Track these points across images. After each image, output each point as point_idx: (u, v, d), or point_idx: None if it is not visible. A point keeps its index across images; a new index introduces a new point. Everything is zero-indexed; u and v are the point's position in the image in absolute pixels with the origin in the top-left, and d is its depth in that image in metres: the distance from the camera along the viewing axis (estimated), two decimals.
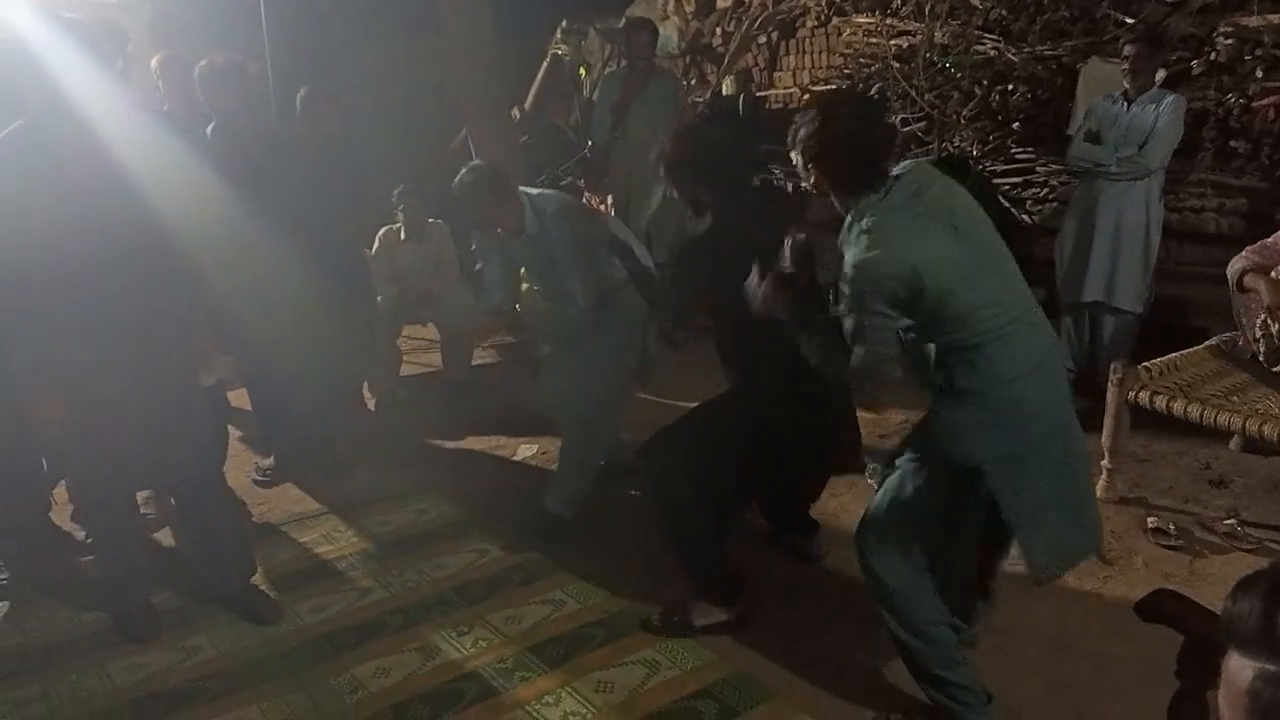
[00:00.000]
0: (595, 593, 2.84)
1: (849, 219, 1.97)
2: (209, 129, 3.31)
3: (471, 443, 4.17)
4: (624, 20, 8.22)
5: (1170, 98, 3.83)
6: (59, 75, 2.29)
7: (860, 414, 2.82)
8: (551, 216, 3.09)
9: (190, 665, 2.55)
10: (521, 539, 3.14)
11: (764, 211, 2.56)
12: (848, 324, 1.96)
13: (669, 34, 8.09)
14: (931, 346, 1.97)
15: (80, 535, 3.16)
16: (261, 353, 3.49)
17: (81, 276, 2.31)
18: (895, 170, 1.98)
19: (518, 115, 7.81)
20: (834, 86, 6.52)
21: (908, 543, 2.06)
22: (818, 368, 2.11)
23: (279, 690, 2.43)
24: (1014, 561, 2.29)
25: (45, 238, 2.25)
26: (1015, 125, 5.26)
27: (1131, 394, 3.20)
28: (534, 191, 3.20)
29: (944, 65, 5.55)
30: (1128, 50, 3.85)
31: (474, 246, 3.51)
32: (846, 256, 1.92)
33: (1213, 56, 4.47)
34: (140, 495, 3.27)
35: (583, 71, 8.40)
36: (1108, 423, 3.27)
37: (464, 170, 3.12)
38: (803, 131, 1.98)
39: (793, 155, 2.03)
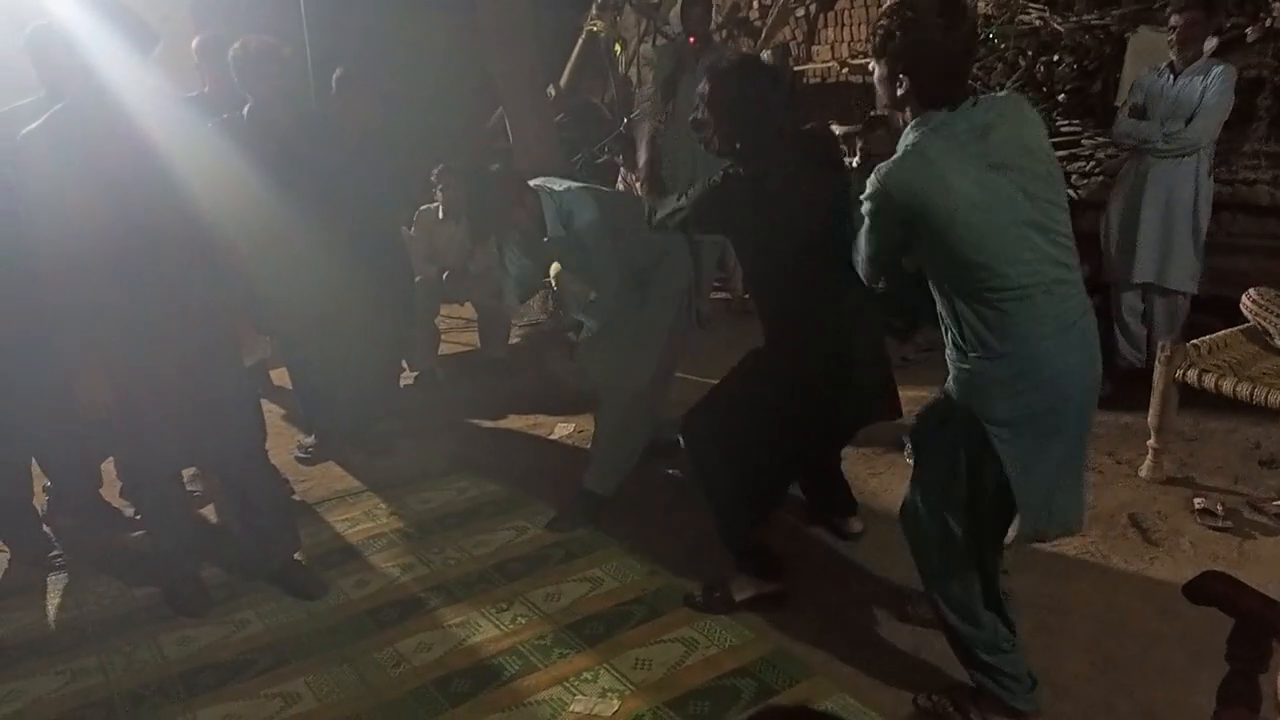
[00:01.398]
0: (634, 571, 2.85)
1: (906, 129, 1.88)
2: (245, 110, 3.33)
3: (510, 421, 4.20)
4: None
5: (1219, 68, 3.70)
6: (96, 60, 2.32)
7: (903, 392, 2.79)
8: (578, 217, 3.03)
9: (239, 639, 2.61)
10: (560, 517, 3.16)
11: (803, 161, 2.45)
12: (861, 216, 1.94)
13: None
14: (958, 301, 1.89)
15: (129, 512, 3.23)
16: (300, 334, 3.53)
17: (116, 260, 2.36)
18: (984, 97, 1.88)
19: (553, 93, 7.78)
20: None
21: (945, 516, 2.03)
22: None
23: (325, 664, 2.47)
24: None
25: (80, 222, 2.29)
26: (1061, 97, 5.14)
27: (1179, 372, 3.13)
28: (560, 188, 3.10)
29: (987, 35, 5.43)
30: (1175, 20, 3.71)
31: (496, 245, 3.47)
32: (883, 163, 1.85)
33: (1268, 23, 4.32)
34: (187, 473, 3.34)
35: (618, 48, 8.34)
36: (1155, 401, 3.20)
37: (483, 172, 3.14)
38: (885, 24, 1.85)
39: (871, 54, 1.92)
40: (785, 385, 2.48)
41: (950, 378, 1.98)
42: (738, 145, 2.43)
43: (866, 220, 1.91)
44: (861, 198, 1.90)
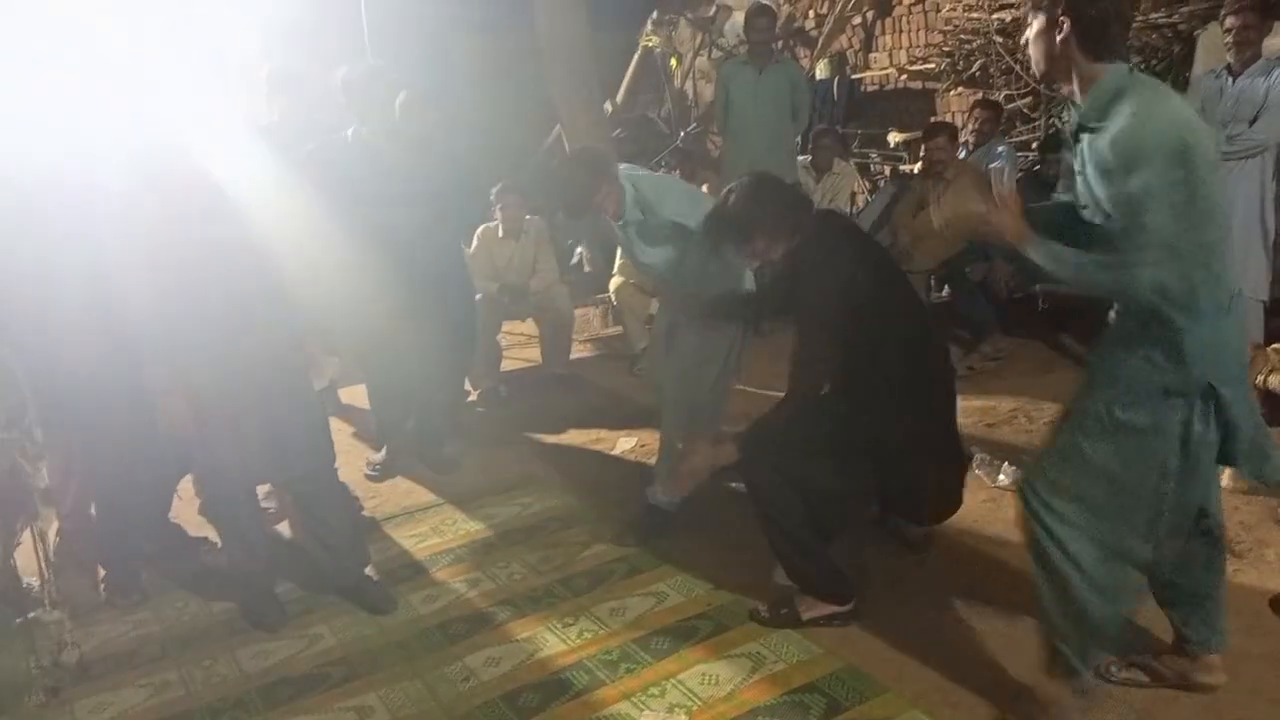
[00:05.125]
0: (699, 585, 2.84)
1: (1098, 99, 1.74)
2: (350, 132, 3.43)
3: (573, 436, 4.23)
4: (715, 7, 8.17)
5: None
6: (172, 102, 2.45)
7: (968, 402, 2.75)
8: (666, 204, 2.99)
9: (313, 653, 2.67)
10: (625, 531, 3.17)
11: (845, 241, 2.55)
12: (1115, 226, 1.70)
13: None
14: (1195, 269, 1.73)
15: (198, 530, 3.31)
16: (369, 353, 3.61)
17: (190, 287, 2.46)
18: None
19: (610, 109, 7.85)
20: (932, 66, 6.35)
21: (1108, 508, 1.89)
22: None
23: (396, 678, 2.52)
24: None
25: (156, 255, 2.42)
26: None
27: (1260, 378, 3.03)
28: (642, 174, 3.09)
29: None
30: (1230, 21, 3.68)
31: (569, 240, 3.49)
32: (1117, 135, 1.67)
33: None
34: (261, 490, 3.43)
35: (674, 62, 8.39)
36: None
37: (567, 153, 3.12)
38: None
39: (1031, 12, 1.83)
40: (865, 440, 2.48)
41: (1174, 363, 1.80)
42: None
43: (1139, 205, 1.64)
44: (1119, 198, 1.68)
